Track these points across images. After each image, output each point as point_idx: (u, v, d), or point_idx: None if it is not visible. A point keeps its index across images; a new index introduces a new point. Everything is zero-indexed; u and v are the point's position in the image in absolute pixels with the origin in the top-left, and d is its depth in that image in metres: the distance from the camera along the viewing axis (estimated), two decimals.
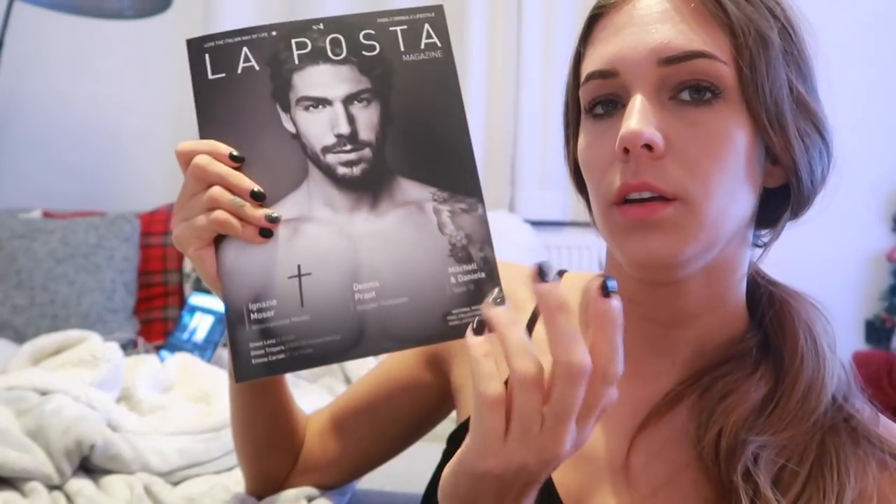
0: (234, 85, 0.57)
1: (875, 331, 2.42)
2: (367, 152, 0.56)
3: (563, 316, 0.42)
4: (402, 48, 0.57)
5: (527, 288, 0.67)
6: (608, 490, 0.56)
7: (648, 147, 0.50)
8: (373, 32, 0.57)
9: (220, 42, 0.58)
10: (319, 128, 0.56)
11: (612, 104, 0.54)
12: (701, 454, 0.53)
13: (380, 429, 0.73)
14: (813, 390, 0.54)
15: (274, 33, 0.58)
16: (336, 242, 0.55)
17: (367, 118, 0.56)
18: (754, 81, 0.51)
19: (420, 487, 0.66)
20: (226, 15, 2.33)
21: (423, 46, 0.57)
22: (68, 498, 0.93)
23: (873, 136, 2.38)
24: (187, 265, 2.07)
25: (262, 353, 0.54)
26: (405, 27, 0.57)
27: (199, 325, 1.58)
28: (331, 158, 0.56)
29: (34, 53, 2.35)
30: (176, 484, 1.01)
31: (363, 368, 1.32)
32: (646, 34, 0.52)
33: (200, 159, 0.53)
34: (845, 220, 2.46)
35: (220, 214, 0.53)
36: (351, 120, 0.56)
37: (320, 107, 0.56)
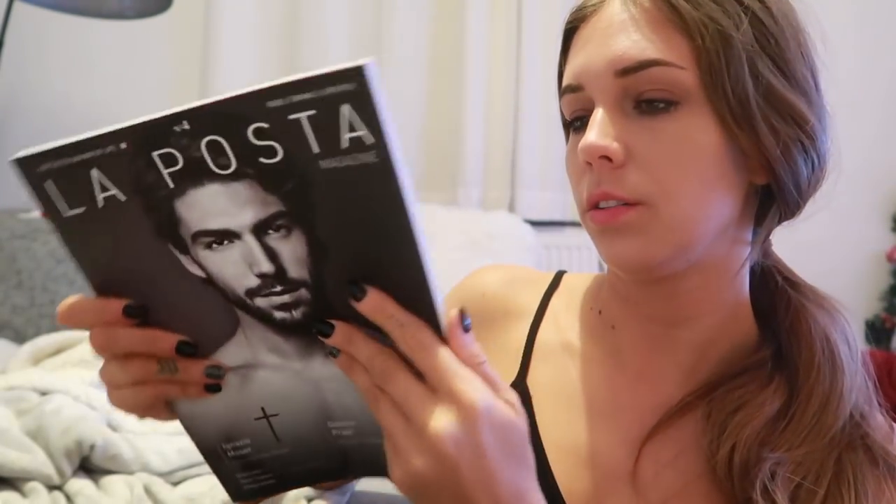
0: (102, 223, 0.42)
1: (875, 331, 2.41)
2: (303, 293, 0.44)
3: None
4: (314, 149, 0.38)
5: (528, 293, 0.68)
6: (616, 499, 0.56)
7: (608, 158, 0.51)
8: (266, 126, 0.38)
9: (59, 164, 0.42)
10: (235, 268, 0.43)
11: (585, 117, 0.55)
12: (714, 470, 0.53)
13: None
14: (830, 405, 0.53)
15: (124, 145, 0.40)
16: (296, 385, 0.48)
17: (291, 251, 0.42)
18: (714, 82, 0.51)
19: None
20: (226, 15, 2.33)
21: (344, 145, 0.38)
22: (68, 498, 0.93)
23: (873, 136, 2.38)
24: None
25: (252, 481, 0.52)
26: (313, 112, 0.37)
27: None
28: (261, 302, 0.44)
29: (34, 53, 2.35)
30: (176, 484, 1.01)
31: None
32: (604, 46, 0.53)
33: (95, 333, 0.45)
34: (845, 220, 2.46)
35: (152, 389, 0.46)
36: (272, 255, 0.43)
37: (226, 242, 0.42)
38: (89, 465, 0.99)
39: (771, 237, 0.60)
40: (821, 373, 0.54)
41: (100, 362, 0.48)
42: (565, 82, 0.56)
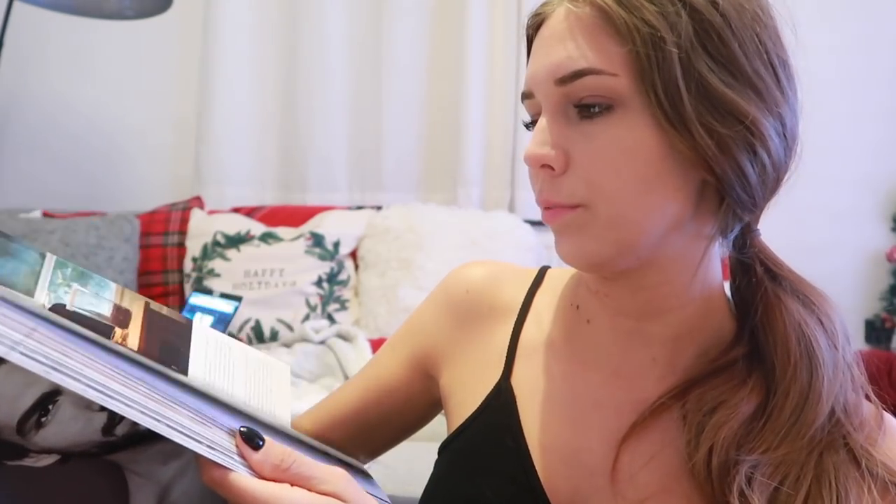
0: None
1: (875, 331, 2.41)
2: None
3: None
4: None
5: (512, 288, 0.68)
6: (598, 497, 0.56)
7: (550, 166, 0.53)
8: None
9: None
10: (76, 421, 0.44)
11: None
12: (693, 471, 0.52)
13: (367, 434, 0.72)
14: (809, 402, 0.52)
15: None
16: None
17: None
18: (645, 86, 0.51)
19: (420, 487, 0.66)
20: (226, 15, 2.33)
21: None
22: None
23: (874, 137, 2.38)
24: (187, 265, 2.07)
25: None
26: None
27: None
28: (121, 428, 0.47)
29: (34, 53, 2.35)
30: None
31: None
32: (546, 56, 0.54)
33: None
34: (846, 220, 2.46)
35: None
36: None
37: (51, 406, 0.43)
38: None
39: (759, 228, 0.58)
40: (797, 370, 0.53)
41: None
42: (523, 88, 0.58)
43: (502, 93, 2.38)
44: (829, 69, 2.22)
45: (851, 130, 2.36)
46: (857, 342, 2.78)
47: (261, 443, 0.47)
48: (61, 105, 2.36)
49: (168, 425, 0.42)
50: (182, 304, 1.98)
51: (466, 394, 0.65)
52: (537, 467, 0.58)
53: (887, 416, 0.55)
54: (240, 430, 0.46)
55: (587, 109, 0.52)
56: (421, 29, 2.40)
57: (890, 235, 2.44)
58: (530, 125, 0.58)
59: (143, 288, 2.04)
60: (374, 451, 0.74)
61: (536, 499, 0.57)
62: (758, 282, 0.56)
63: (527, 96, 0.56)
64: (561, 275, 0.67)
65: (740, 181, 0.52)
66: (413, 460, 0.78)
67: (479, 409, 0.63)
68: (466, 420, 0.63)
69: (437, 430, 0.74)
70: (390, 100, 2.40)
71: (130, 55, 2.40)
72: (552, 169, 0.53)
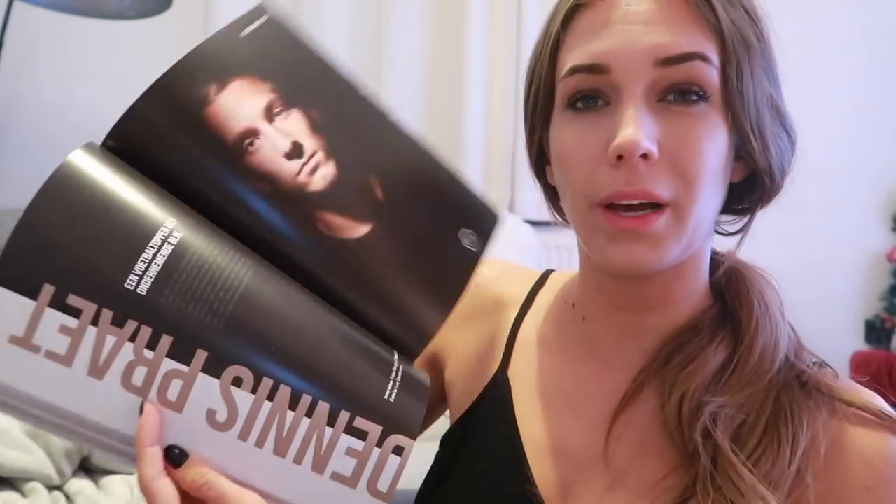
0: None
1: (875, 331, 2.42)
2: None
3: None
4: None
5: (518, 285, 0.69)
6: (588, 477, 0.58)
7: (644, 156, 0.50)
8: None
9: None
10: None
11: (593, 99, 0.53)
12: (665, 423, 0.55)
13: None
14: (767, 351, 0.56)
15: None
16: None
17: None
18: (740, 88, 0.51)
19: (418, 486, 0.66)
20: (226, 15, 2.33)
21: None
22: (68, 498, 0.93)
23: (873, 137, 2.38)
24: None
25: None
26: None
27: None
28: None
29: (34, 53, 2.35)
30: None
31: None
32: (642, 33, 0.51)
33: None
34: (845, 221, 2.46)
35: None
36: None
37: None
38: (89, 466, 0.99)
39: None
40: (760, 324, 0.57)
41: None
42: (579, 61, 0.53)
43: (502, 93, 2.38)
44: (832, 66, 2.22)
45: (852, 131, 2.36)
46: (857, 342, 2.80)
47: (177, 461, 0.45)
48: (61, 105, 2.36)
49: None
50: None
51: (467, 385, 0.66)
52: (528, 454, 0.59)
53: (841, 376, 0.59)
54: (162, 449, 0.44)
55: (683, 96, 0.51)
56: (421, 29, 2.40)
57: (890, 235, 2.44)
58: (578, 100, 0.54)
59: None
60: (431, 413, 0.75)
61: (526, 484, 0.58)
62: (717, 257, 0.62)
63: (593, 69, 0.52)
64: (561, 278, 0.69)
65: (781, 179, 0.56)
66: (412, 459, 0.78)
67: (477, 399, 0.64)
68: (466, 410, 0.65)
69: (435, 430, 0.74)
70: (390, 99, 2.40)
71: (130, 55, 2.40)
72: (646, 159, 0.50)
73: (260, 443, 0.45)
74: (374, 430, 0.47)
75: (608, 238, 0.52)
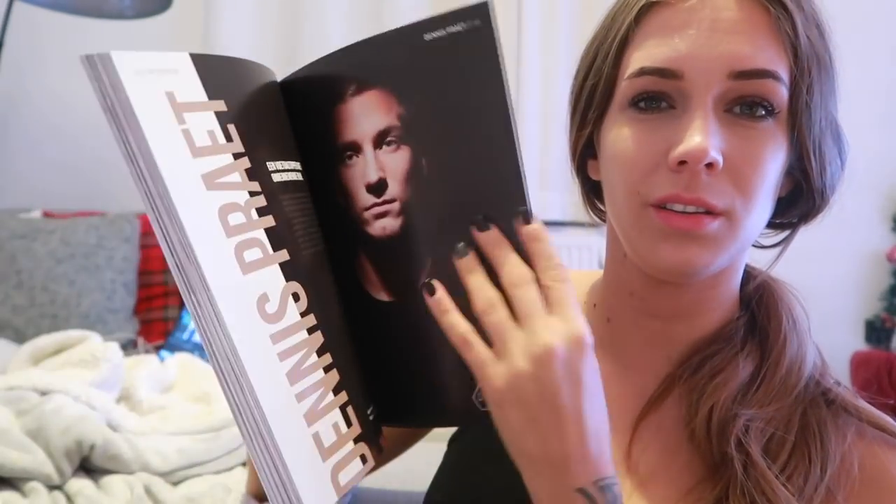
0: None
1: (875, 331, 2.41)
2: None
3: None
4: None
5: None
6: None
7: (709, 165, 0.50)
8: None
9: None
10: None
11: (656, 101, 0.52)
12: (693, 433, 0.55)
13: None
14: (794, 366, 0.56)
15: None
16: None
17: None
18: (808, 108, 0.51)
19: (420, 486, 0.66)
20: (225, 15, 2.33)
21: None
22: (68, 498, 0.93)
23: (873, 137, 2.38)
24: None
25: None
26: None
27: None
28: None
29: (34, 53, 2.35)
30: (176, 484, 1.02)
31: None
32: (720, 42, 0.50)
33: None
34: (845, 220, 2.45)
35: None
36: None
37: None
38: (89, 465, 0.99)
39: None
40: (788, 338, 0.57)
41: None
42: (650, 63, 0.52)
43: None
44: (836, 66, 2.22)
45: (852, 131, 2.35)
46: (857, 342, 2.79)
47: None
48: (61, 105, 2.36)
49: None
50: (182, 303, 1.97)
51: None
52: None
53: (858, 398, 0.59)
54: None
55: (750, 109, 0.51)
56: None
57: (890, 235, 2.44)
58: (641, 101, 0.53)
59: (143, 288, 2.04)
60: (386, 456, 0.74)
61: None
62: (745, 271, 0.62)
63: (665, 74, 0.51)
64: (577, 276, 0.68)
65: (829, 197, 0.57)
66: (413, 459, 0.78)
67: None
68: None
69: (439, 431, 0.74)
70: None
71: None
72: (709, 168, 0.50)
73: (283, 356, 0.46)
74: (356, 427, 0.51)
75: (661, 236, 0.52)
